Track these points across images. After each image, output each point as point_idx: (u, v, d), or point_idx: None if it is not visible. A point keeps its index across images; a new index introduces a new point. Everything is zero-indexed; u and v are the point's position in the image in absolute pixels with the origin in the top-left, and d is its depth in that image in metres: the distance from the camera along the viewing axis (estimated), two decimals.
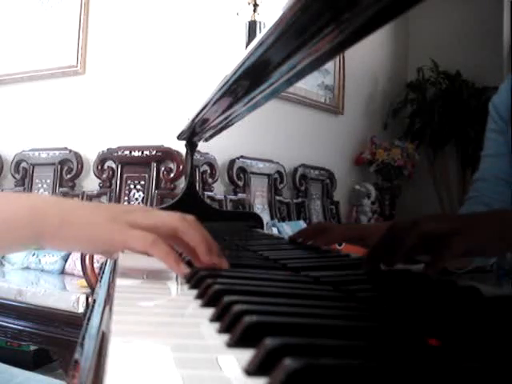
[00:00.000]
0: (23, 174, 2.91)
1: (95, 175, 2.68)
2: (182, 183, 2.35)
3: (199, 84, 2.39)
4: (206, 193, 2.46)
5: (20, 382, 0.91)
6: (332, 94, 3.34)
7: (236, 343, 0.31)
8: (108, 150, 2.64)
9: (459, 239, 0.58)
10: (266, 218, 2.68)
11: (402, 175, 3.50)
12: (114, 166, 2.64)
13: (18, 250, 0.59)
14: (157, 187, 2.52)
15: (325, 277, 0.54)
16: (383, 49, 3.70)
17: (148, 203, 2.49)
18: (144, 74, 2.59)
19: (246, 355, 0.28)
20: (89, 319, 0.45)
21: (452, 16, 3.53)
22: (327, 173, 3.25)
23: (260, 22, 2.52)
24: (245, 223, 1.43)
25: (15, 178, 2.92)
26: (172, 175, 2.49)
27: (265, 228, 1.58)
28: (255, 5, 2.54)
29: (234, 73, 0.74)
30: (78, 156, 2.77)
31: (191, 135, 1.34)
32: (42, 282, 2.28)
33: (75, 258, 2.37)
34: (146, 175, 2.55)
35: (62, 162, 2.80)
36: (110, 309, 0.40)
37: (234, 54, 2.49)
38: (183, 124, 1.29)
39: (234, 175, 2.68)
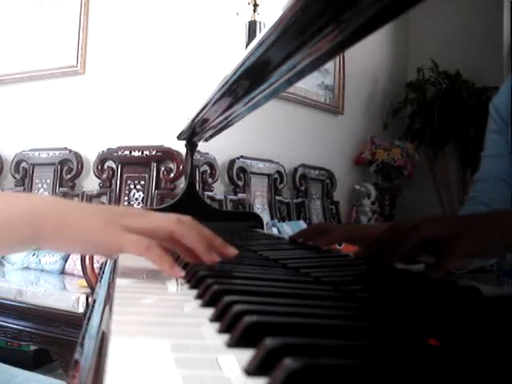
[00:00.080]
0: (23, 173, 2.91)
1: (95, 175, 2.68)
2: (181, 183, 2.35)
3: (199, 84, 2.39)
4: (205, 193, 2.46)
5: (20, 381, 0.91)
6: (332, 94, 3.34)
7: (236, 343, 0.31)
8: (108, 150, 2.63)
9: (461, 242, 0.58)
10: (266, 218, 2.68)
11: (401, 175, 3.50)
12: (113, 166, 2.64)
13: (18, 249, 0.59)
14: (157, 187, 2.51)
15: (325, 277, 0.54)
16: (383, 49, 3.70)
17: (148, 203, 2.48)
18: (144, 74, 2.59)
19: (245, 355, 0.28)
20: (89, 319, 0.45)
21: (452, 16, 3.53)
22: (327, 173, 3.24)
23: (260, 22, 2.52)
24: (245, 223, 1.43)
25: (15, 177, 2.92)
26: (172, 175, 2.49)
27: (265, 228, 1.58)
28: (255, 5, 2.54)
29: (234, 73, 0.74)
30: (78, 156, 2.76)
31: (191, 135, 1.34)
32: (42, 281, 2.28)
33: (75, 258, 2.37)
34: (146, 175, 2.55)
35: (62, 162, 2.80)
36: (110, 309, 0.40)
37: (233, 53, 2.49)
38: (183, 124, 1.29)
39: (234, 175, 2.67)
